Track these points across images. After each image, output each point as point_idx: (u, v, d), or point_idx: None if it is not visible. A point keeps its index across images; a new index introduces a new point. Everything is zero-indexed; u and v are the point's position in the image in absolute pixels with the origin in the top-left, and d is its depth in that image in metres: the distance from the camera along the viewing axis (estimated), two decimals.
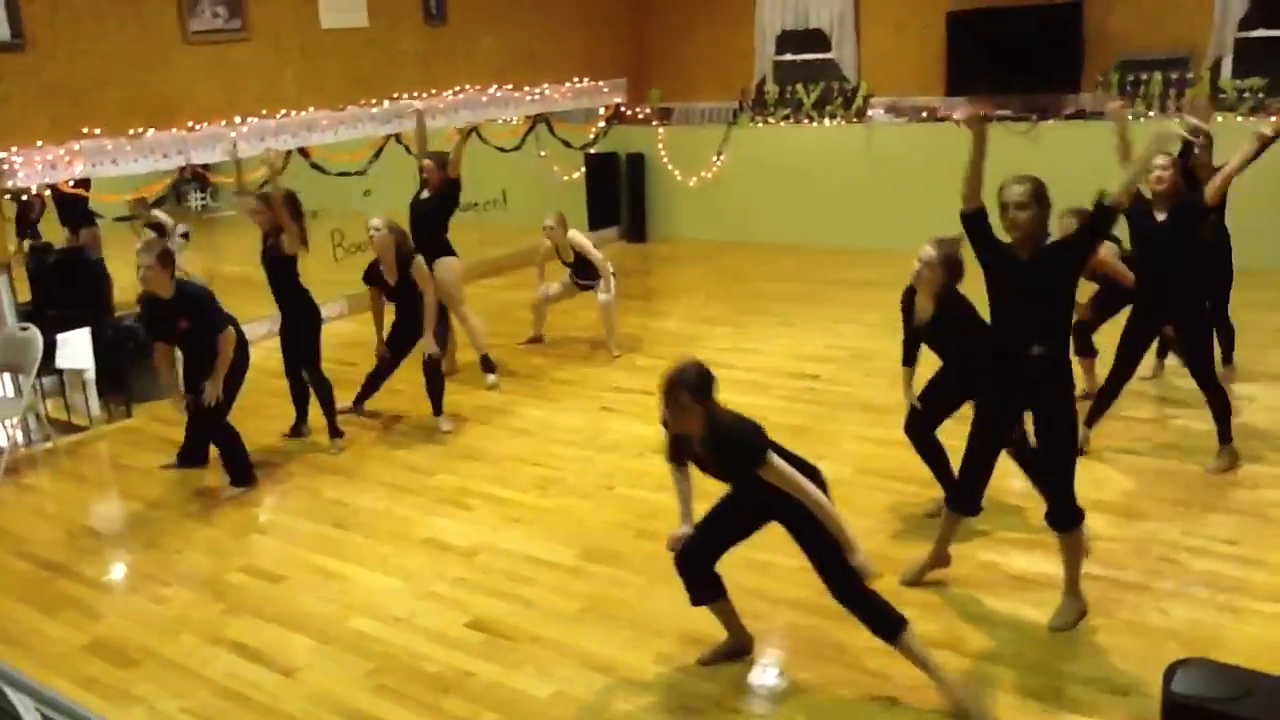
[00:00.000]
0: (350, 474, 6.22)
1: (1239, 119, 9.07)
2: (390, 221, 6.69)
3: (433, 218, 7.50)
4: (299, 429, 6.82)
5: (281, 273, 6.45)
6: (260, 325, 8.28)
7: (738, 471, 3.76)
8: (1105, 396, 5.79)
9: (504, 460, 6.29)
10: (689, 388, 3.63)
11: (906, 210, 10.58)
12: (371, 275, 6.78)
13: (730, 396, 6.90)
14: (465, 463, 6.28)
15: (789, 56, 11.88)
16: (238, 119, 8.44)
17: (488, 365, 7.62)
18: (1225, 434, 5.56)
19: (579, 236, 8.03)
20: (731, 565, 4.82)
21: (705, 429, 3.69)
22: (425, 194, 7.52)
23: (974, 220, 4.07)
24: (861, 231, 11.06)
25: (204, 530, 5.60)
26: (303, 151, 8.89)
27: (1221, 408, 5.54)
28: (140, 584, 5.10)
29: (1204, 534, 4.90)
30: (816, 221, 11.38)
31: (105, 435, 7.11)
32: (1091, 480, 5.48)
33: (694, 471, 3.95)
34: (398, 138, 9.59)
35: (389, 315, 6.92)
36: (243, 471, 6.06)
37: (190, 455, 6.36)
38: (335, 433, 6.59)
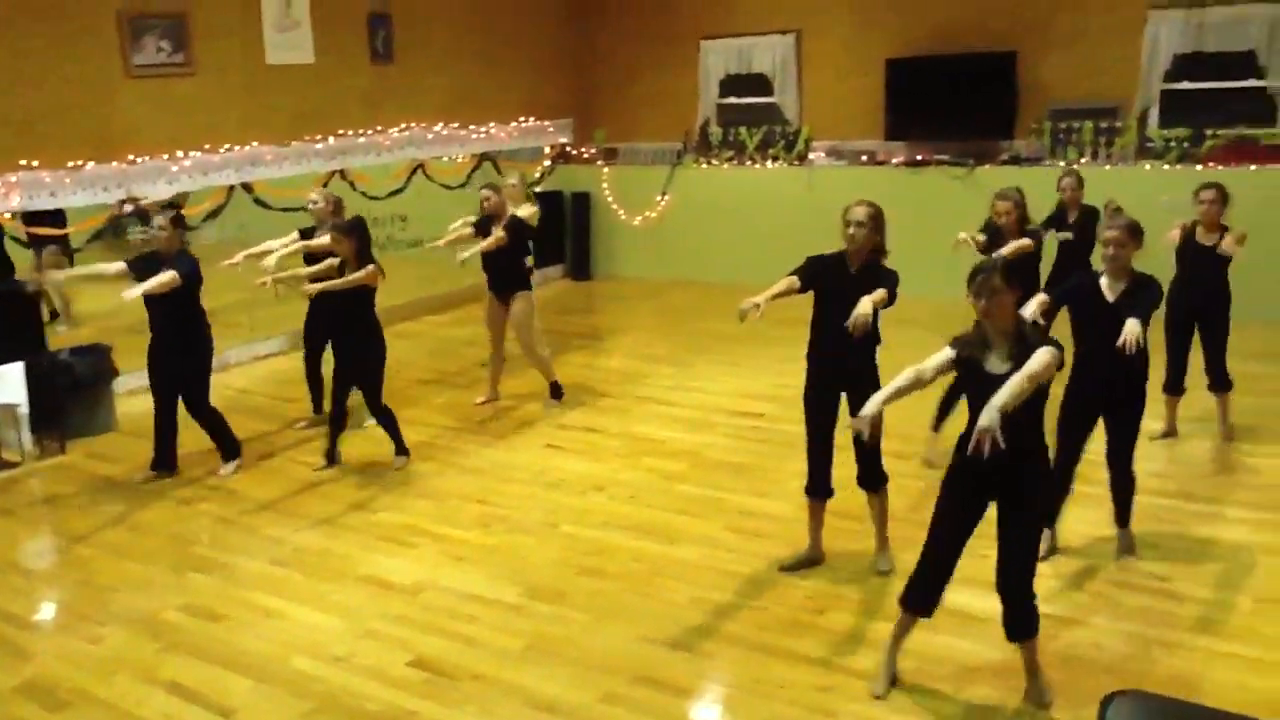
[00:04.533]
0: (289, 510, 6.13)
1: (1165, 167, 9.41)
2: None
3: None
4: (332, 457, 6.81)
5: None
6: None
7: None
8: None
9: (448, 497, 6.25)
10: (1001, 271, 3.62)
11: None
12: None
13: (674, 434, 7.07)
14: (408, 499, 6.24)
15: (732, 100, 12.08)
16: (180, 153, 8.38)
17: (556, 391, 7.72)
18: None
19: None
20: (681, 605, 4.86)
21: (1013, 321, 3.67)
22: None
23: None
24: None
25: (139, 568, 5.49)
26: (246, 186, 8.85)
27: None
28: (73, 623, 4.99)
29: (1136, 568, 5.01)
30: (760, 261, 11.38)
31: (37, 472, 6.94)
32: None
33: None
34: (342, 173, 9.58)
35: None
36: (232, 445, 6.69)
37: (162, 462, 6.63)
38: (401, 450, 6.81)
